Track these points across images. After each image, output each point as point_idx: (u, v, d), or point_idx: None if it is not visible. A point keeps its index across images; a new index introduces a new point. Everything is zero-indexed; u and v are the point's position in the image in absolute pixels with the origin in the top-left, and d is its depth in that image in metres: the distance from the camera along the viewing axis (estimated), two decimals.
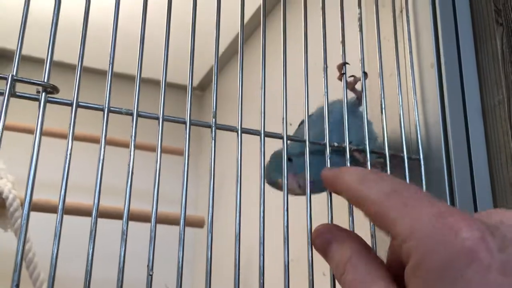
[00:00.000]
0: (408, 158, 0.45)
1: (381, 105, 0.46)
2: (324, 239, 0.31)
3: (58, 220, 0.33)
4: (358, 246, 0.28)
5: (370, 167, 0.42)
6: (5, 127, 0.32)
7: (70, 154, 0.35)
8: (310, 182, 0.43)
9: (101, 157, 0.35)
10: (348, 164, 0.42)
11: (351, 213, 0.40)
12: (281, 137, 0.41)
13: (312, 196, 0.40)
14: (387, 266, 0.28)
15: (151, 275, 0.32)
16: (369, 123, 0.46)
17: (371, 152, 0.44)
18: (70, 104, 0.34)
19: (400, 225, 0.24)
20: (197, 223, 0.89)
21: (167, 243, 0.67)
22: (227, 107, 0.55)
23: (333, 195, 0.38)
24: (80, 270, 0.55)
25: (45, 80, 0.33)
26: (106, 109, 0.35)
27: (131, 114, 0.36)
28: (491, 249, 0.21)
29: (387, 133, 0.45)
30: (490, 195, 0.45)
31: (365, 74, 0.46)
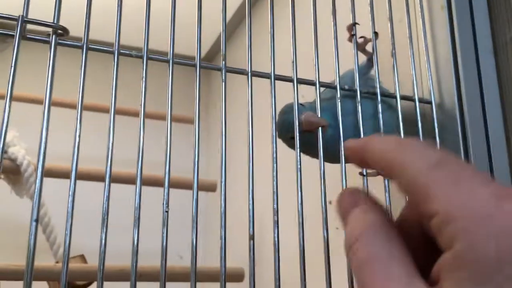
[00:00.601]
0: (419, 100, 0.45)
1: (392, 50, 0.45)
2: (346, 205, 0.26)
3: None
4: (379, 218, 0.24)
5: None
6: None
7: (82, 100, 0.35)
8: (323, 126, 0.42)
9: (113, 104, 0.35)
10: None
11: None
12: (291, 80, 0.40)
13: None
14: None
15: (167, 212, 0.33)
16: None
17: (382, 95, 0.43)
18: (81, 47, 0.34)
19: (446, 203, 0.20)
20: (209, 187, 0.90)
21: (178, 213, 0.67)
22: (235, 77, 0.55)
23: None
24: (91, 233, 0.55)
25: (55, 22, 0.33)
26: (116, 51, 0.35)
27: (141, 57, 0.36)
28: None
29: (398, 77, 0.45)
30: (504, 136, 0.45)
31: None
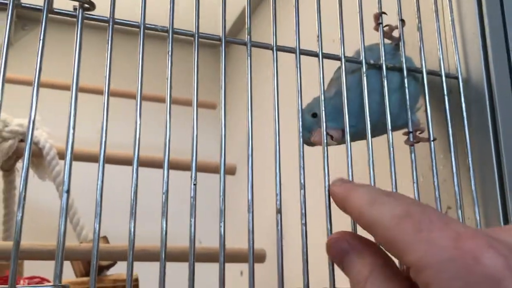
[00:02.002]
0: (445, 76, 0.44)
1: (418, 24, 0.44)
2: (340, 249, 0.28)
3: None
4: (378, 260, 0.26)
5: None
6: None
7: (109, 78, 0.35)
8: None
9: (139, 82, 0.35)
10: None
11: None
12: (316, 55, 0.40)
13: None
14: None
15: (195, 185, 0.33)
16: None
17: (408, 70, 0.43)
18: (107, 21, 0.34)
19: (413, 254, 0.22)
20: (228, 170, 0.90)
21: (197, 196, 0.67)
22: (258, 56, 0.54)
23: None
24: (113, 216, 0.55)
25: None
26: (142, 26, 0.35)
27: (167, 31, 0.36)
28: None
29: (424, 52, 0.44)
30: None
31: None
